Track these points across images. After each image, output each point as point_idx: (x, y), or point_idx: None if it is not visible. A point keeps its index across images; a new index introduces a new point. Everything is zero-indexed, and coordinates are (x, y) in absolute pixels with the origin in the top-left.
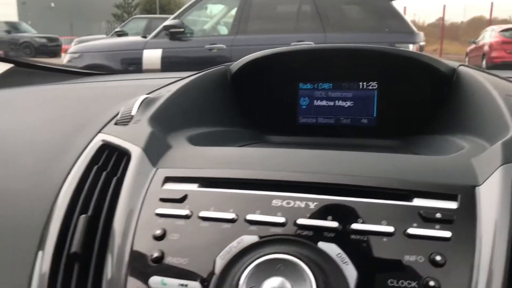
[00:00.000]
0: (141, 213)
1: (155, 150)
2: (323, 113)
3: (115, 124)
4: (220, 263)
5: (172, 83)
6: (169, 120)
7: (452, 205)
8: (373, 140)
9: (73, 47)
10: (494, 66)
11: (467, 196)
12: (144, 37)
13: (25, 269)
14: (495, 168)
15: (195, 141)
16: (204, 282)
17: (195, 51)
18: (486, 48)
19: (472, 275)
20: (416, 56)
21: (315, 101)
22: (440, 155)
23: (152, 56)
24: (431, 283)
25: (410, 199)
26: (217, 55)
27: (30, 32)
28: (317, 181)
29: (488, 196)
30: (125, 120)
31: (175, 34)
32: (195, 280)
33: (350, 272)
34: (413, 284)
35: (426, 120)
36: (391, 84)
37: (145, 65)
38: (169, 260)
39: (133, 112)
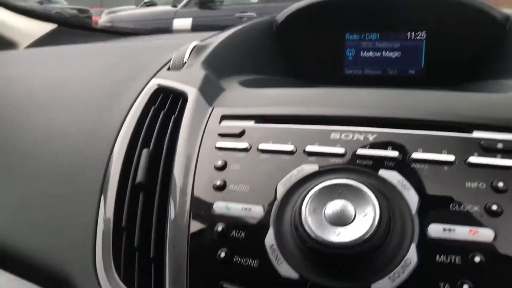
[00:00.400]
0: (201, 147)
1: (210, 91)
2: (369, 65)
3: (168, 69)
4: (281, 189)
5: (219, 33)
6: (220, 66)
7: None
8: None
9: (103, 18)
10: None
11: None
12: (174, 6)
13: (92, 202)
14: None
15: (246, 85)
16: (267, 206)
17: (225, 19)
18: None
19: None
20: (469, 2)
21: (361, 52)
22: None
23: (182, 25)
24: (494, 207)
25: (470, 131)
26: None
27: (61, 3)
28: (376, 116)
29: None
30: (178, 66)
31: (205, 2)
32: (257, 204)
33: (412, 197)
34: (476, 208)
35: (477, 67)
36: (440, 33)
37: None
38: (231, 187)
39: (185, 58)
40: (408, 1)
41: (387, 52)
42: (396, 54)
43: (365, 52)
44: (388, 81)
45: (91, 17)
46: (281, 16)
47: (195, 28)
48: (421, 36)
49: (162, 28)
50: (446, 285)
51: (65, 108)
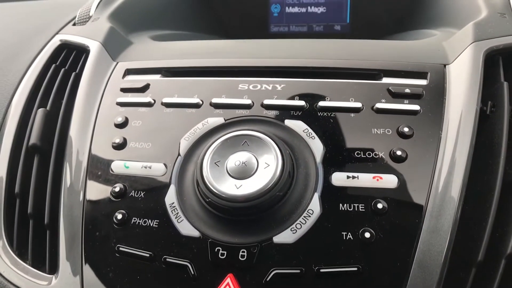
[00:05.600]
0: (101, 104)
1: (115, 45)
2: (295, 21)
3: (73, 25)
4: (184, 144)
5: None
6: (130, 19)
7: (422, 82)
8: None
9: None
10: None
11: (437, 74)
12: None
13: None
14: (466, 46)
15: (159, 39)
16: (169, 163)
17: None
18: None
19: (439, 146)
20: None
21: (287, 8)
22: None
23: None
24: (398, 152)
25: (379, 78)
26: None
27: None
28: (285, 65)
29: (458, 73)
30: (84, 20)
31: None
32: (159, 162)
33: (317, 146)
34: (381, 154)
35: (400, 20)
36: None
37: None
38: (131, 145)
39: (92, 12)
40: None
41: (312, 7)
42: (321, 9)
43: (290, 7)
44: (314, 38)
45: None
46: None
47: None
48: None
49: None
50: (348, 234)
51: None
